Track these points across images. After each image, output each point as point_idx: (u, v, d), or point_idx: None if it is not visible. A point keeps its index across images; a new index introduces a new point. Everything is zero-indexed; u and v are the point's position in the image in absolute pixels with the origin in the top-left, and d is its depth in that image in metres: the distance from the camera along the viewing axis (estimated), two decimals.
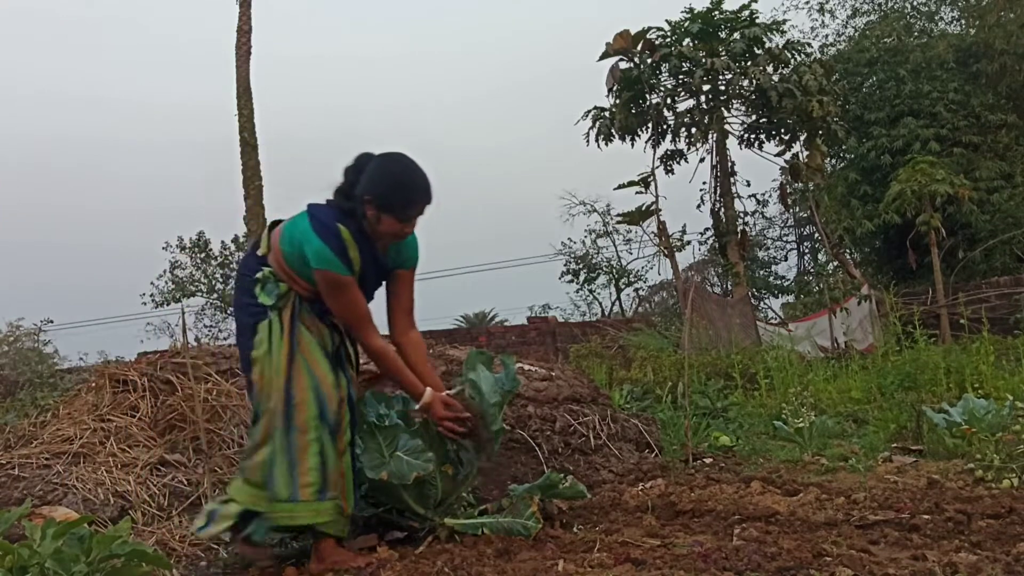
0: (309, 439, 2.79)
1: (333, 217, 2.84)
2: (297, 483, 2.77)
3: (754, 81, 14.97)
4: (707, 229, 17.56)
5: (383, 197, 2.79)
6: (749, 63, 15.04)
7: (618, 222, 19.83)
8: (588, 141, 15.94)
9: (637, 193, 15.43)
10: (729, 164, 15.97)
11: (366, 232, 2.86)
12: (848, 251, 18.61)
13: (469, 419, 3.02)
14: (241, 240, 25.06)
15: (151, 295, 27.26)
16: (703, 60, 14.79)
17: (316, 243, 2.78)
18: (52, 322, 12.69)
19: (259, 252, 2.97)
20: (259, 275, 2.90)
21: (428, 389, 2.96)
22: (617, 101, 15.53)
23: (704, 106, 15.57)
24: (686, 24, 15.24)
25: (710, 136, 15.66)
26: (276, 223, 3.04)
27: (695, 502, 3.48)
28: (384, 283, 3.08)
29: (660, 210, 15.26)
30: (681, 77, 15.40)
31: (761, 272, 24.52)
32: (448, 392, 3.04)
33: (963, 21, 21.40)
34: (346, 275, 2.81)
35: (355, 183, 2.85)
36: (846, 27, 22.40)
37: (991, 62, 17.96)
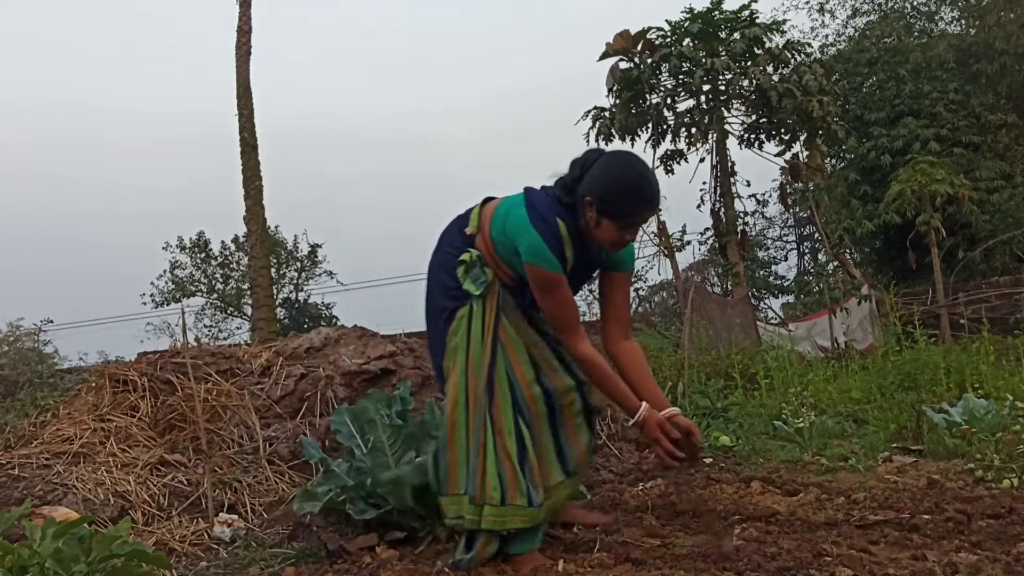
0: (509, 438, 2.61)
1: (553, 211, 2.64)
2: (506, 485, 2.60)
3: (754, 81, 14.98)
4: (707, 229, 17.55)
5: (608, 202, 2.56)
6: (749, 63, 15.05)
7: None
8: (588, 141, 15.95)
9: None
10: (729, 164, 15.98)
11: (583, 231, 2.66)
12: (848, 251, 18.61)
13: (687, 444, 2.64)
14: (241, 240, 25.10)
15: (151, 295, 27.34)
16: (703, 60, 14.80)
17: (533, 236, 2.58)
18: (52, 322, 12.70)
19: (467, 231, 2.75)
20: (465, 257, 2.69)
21: (644, 405, 2.62)
22: (617, 101, 15.54)
23: (704, 106, 15.58)
24: (686, 24, 15.24)
25: (710, 136, 15.66)
26: (488, 200, 2.82)
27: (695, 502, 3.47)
28: (596, 284, 2.85)
29: (660, 210, 15.25)
30: (681, 77, 15.40)
31: (761, 272, 24.54)
32: (668, 411, 2.66)
33: (963, 21, 21.42)
34: (558, 272, 2.61)
35: (580, 179, 2.64)
36: (846, 27, 22.44)
37: (991, 62, 17.97)
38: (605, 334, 2.80)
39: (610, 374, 2.67)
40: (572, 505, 2.81)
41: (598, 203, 2.58)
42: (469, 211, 2.81)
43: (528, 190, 2.74)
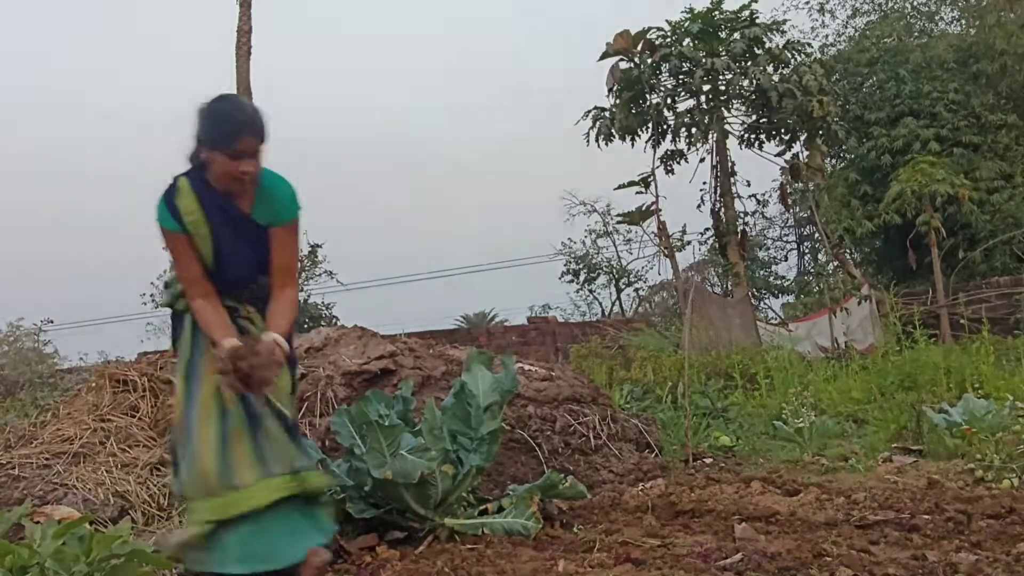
0: None
1: (182, 172, 2.73)
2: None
3: (754, 81, 14.97)
4: (707, 229, 17.53)
5: (206, 132, 2.64)
6: (749, 63, 15.03)
7: (618, 222, 19.83)
8: (588, 141, 15.92)
9: (637, 193, 15.42)
10: (729, 164, 15.96)
11: (211, 185, 2.67)
12: (848, 251, 18.58)
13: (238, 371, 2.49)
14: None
15: (151, 295, 27.30)
16: (703, 60, 14.78)
17: (157, 201, 2.67)
18: (52, 322, 12.64)
19: None
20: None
21: (226, 340, 2.55)
22: (617, 101, 15.52)
23: (704, 106, 15.56)
24: (686, 24, 15.23)
25: (710, 136, 15.64)
26: None
27: (695, 502, 3.48)
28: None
29: (660, 210, 15.25)
30: (681, 77, 15.38)
31: (761, 272, 24.50)
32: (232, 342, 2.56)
33: (963, 21, 21.39)
34: (172, 228, 2.64)
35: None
36: (846, 27, 22.37)
37: (991, 62, 17.95)
38: (271, 284, 2.76)
39: (206, 318, 2.63)
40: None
41: (201, 139, 2.65)
42: None
43: None
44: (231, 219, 2.69)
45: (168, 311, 2.87)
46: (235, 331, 2.64)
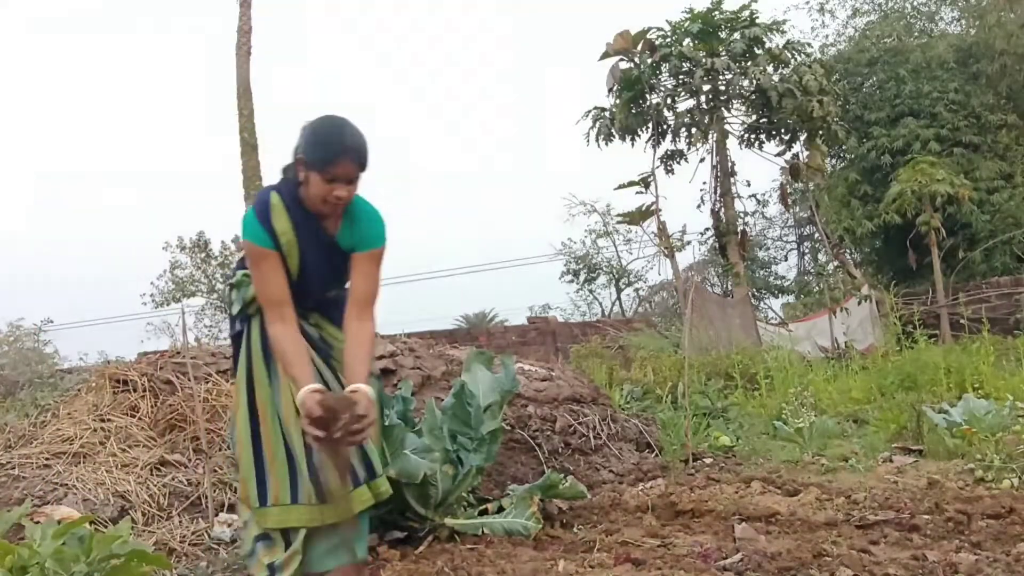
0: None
1: (272, 187, 2.69)
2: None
3: (754, 81, 14.98)
4: (707, 229, 17.55)
5: (305, 151, 2.56)
6: (749, 63, 15.04)
7: (618, 222, 19.85)
8: (588, 141, 15.96)
9: (637, 193, 15.45)
10: (729, 164, 15.98)
11: (303, 203, 2.62)
12: (848, 251, 18.60)
13: (321, 424, 2.32)
14: (241, 240, 25.11)
15: (151, 295, 27.29)
16: (703, 60, 14.80)
17: (246, 213, 2.62)
18: (52, 322, 12.63)
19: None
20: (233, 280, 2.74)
21: (305, 388, 2.42)
22: (617, 101, 15.54)
23: (704, 106, 15.57)
24: (686, 24, 15.24)
25: (710, 136, 15.66)
26: None
27: (695, 502, 3.48)
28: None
29: (660, 210, 15.27)
30: (681, 77, 15.40)
31: (761, 272, 24.49)
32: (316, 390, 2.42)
33: (963, 21, 21.40)
34: (263, 246, 2.58)
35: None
36: (846, 27, 22.37)
37: (991, 62, 17.96)
38: (345, 312, 2.69)
39: (287, 357, 2.55)
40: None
41: (300, 157, 2.58)
42: None
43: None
44: (318, 241, 2.67)
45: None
46: (312, 351, 2.62)
